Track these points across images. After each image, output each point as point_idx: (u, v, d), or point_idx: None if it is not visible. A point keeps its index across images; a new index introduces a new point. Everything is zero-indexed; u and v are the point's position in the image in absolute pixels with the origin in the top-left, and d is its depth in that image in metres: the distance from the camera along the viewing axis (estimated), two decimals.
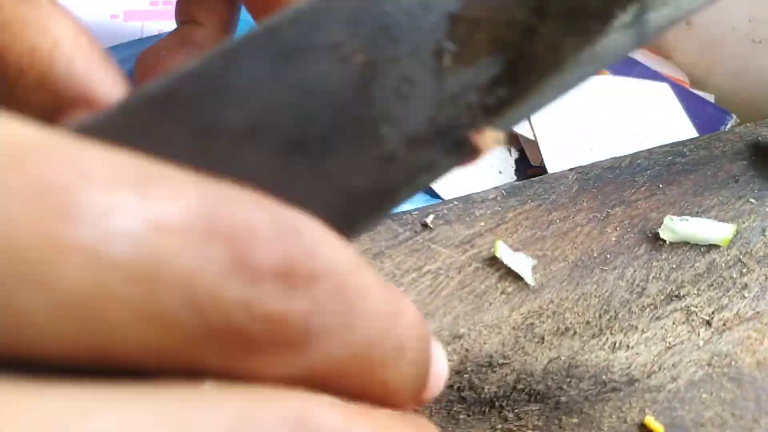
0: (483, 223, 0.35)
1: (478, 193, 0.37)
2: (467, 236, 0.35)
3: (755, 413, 0.29)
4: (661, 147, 0.40)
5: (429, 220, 0.35)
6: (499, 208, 0.36)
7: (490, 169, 0.42)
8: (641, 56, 0.52)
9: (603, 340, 0.31)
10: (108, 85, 0.21)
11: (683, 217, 0.34)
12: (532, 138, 0.43)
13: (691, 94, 0.49)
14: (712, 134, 0.41)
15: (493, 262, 0.34)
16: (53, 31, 0.20)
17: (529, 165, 0.43)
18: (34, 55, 0.19)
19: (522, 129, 0.42)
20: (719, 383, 0.30)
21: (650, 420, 0.29)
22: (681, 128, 0.44)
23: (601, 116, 0.45)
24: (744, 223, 0.36)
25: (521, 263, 0.33)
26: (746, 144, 0.40)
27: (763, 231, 0.35)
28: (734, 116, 0.48)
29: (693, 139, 0.41)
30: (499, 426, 0.29)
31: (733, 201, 0.37)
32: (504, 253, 0.33)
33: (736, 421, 0.29)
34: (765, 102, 0.50)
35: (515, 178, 0.42)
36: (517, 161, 0.43)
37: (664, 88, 0.48)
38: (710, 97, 0.51)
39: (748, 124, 0.43)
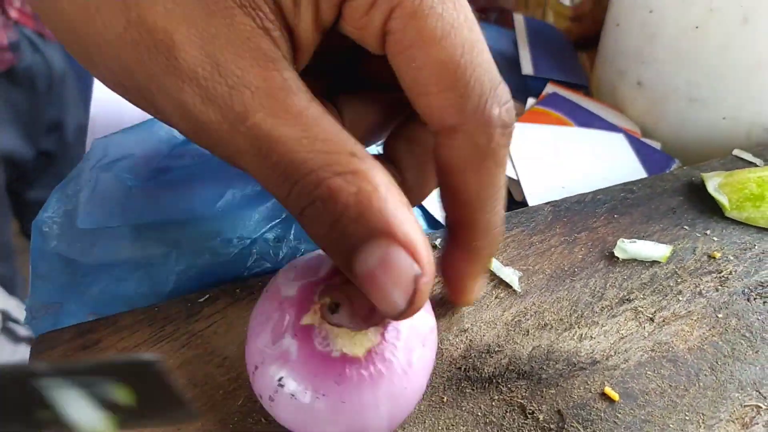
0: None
1: None
2: None
3: (686, 384, 0.39)
4: (616, 185, 0.50)
5: (437, 242, 0.45)
6: None
7: None
8: (601, 111, 0.62)
9: (572, 333, 0.41)
10: (409, 225, 0.25)
11: (632, 240, 0.45)
12: (516, 178, 0.53)
13: (642, 143, 0.59)
14: (657, 175, 0.52)
15: (489, 274, 0.43)
16: (374, 179, 0.25)
17: (513, 200, 0.53)
18: (358, 197, 0.25)
19: (508, 171, 0.52)
20: (660, 363, 0.39)
21: (609, 390, 0.38)
22: (633, 170, 0.55)
23: (570, 160, 0.55)
24: (679, 244, 0.46)
25: (510, 275, 0.43)
26: (683, 183, 0.51)
27: (694, 251, 0.45)
28: (677, 161, 0.58)
29: (642, 179, 0.52)
30: (497, 397, 0.38)
31: (671, 228, 0.47)
32: (497, 267, 0.43)
33: (672, 390, 0.38)
34: (702, 149, 0.60)
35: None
36: None
37: (620, 137, 0.58)
38: (657, 145, 0.60)
39: (686, 167, 0.54)
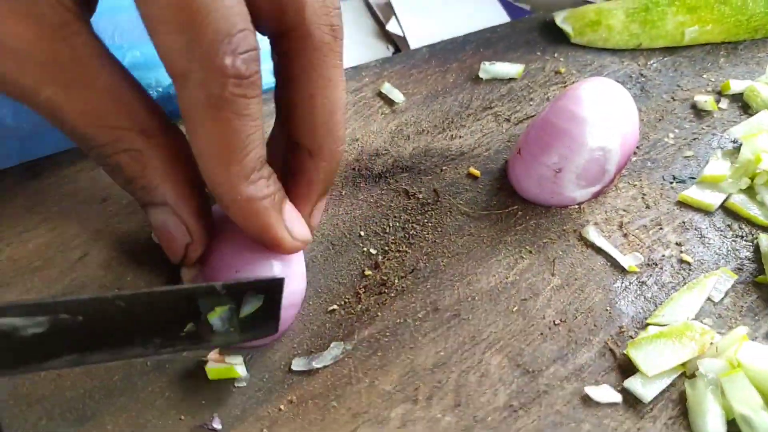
0: (367, 78, 0.53)
1: (365, 63, 0.55)
2: (358, 86, 0.53)
3: None
4: (484, 29, 0.59)
5: None
6: (378, 70, 0.54)
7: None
8: None
9: (445, 135, 0.50)
10: (183, 200, 0.31)
11: (492, 62, 0.54)
12: (402, 34, 0.61)
13: (512, 5, 0.67)
14: (517, 20, 0.61)
15: (377, 98, 0.52)
16: (155, 159, 0.30)
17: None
18: (143, 172, 0.30)
19: (395, 29, 0.60)
20: (512, 149, 0.49)
21: (473, 169, 0.47)
22: (499, 18, 0.63)
23: (449, 19, 0.63)
24: (532, 65, 0.55)
25: (394, 94, 0.51)
26: (538, 23, 0.60)
27: (544, 68, 0.55)
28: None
29: (504, 23, 0.60)
30: (385, 187, 0.47)
31: (526, 54, 0.56)
32: (385, 89, 0.52)
33: None
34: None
35: None
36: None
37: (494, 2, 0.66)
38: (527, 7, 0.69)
39: (542, 12, 0.63)
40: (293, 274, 0.36)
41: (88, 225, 0.42)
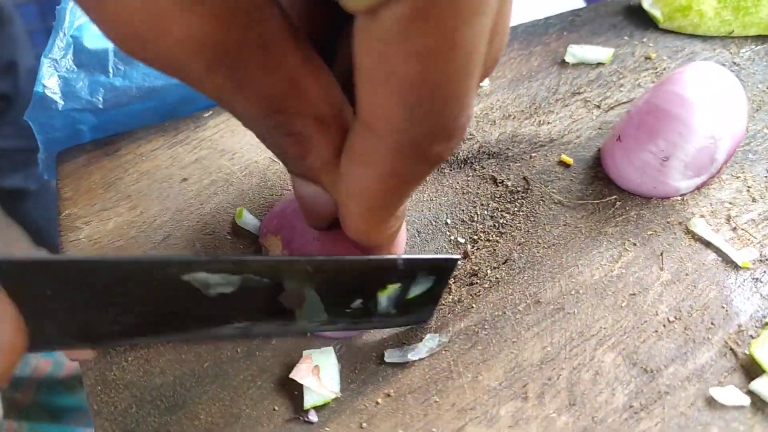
0: None
1: None
2: None
3: None
4: (564, 12, 0.57)
5: None
6: None
7: None
8: None
9: (532, 120, 0.48)
10: None
11: (580, 45, 0.51)
12: None
13: None
14: (600, 3, 0.58)
15: None
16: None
17: None
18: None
19: None
20: (605, 136, 0.46)
21: (565, 157, 0.45)
22: (573, 2, 0.61)
23: (525, 2, 0.61)
24: (620, 50, 0.52)
25: None
26: (623, 6, 0.57)
27: (633, 54, 0.52)
28: None
29: (587, 6, 0.58)
30: (471, 173, 0.45)
31: (613, 39, 0.54)
32: None
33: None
34: None
35: None
36: None
37: None
38: None
39: None
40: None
41: (169, 205, 0.41)
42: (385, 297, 0.29)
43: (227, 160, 0.43)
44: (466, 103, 0.21)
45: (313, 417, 0.32)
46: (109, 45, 0.44)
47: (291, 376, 0.32)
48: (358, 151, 0.24)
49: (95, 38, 0.43)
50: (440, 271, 0.31)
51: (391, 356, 0.35)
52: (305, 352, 0.34)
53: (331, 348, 0.34)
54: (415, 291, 0.30)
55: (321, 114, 0.25)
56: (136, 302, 0.23)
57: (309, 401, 0.32)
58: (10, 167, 1.14)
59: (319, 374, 0.33)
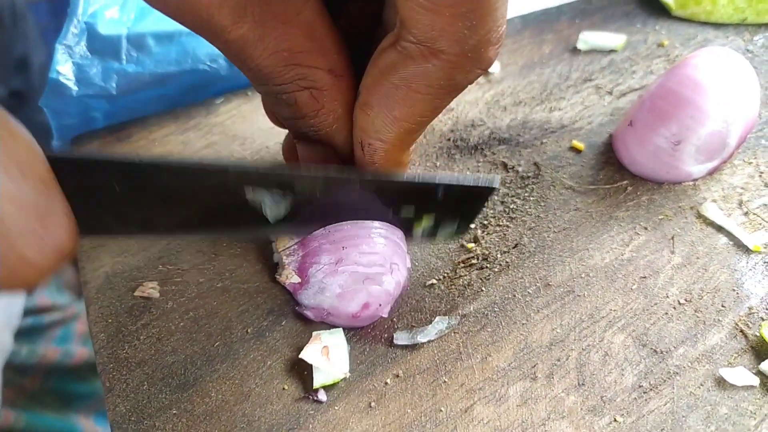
0: None
1: None
2: None
3: None
4: (576, 0, 0.57)
5: None
6: None
7: None
8: None
9: (544, 107, 0.47)
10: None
11: (592, 32, 0.51)
12: None
13: None
14: None
15: None
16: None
17: None
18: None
19: None
20: (617, 123, 0.46)
21: (576, 143, 0.45)
22: None
23: None
24: (633, 37, 0.52)
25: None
26: None
27: (646, 41, 0.52)
28: None
29: None
30: (482, 159, 0.44)
31: (625, 26, 0.53)
32: None
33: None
34: None
35: None
36: None
37: None
38: None
39: None
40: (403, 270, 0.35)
41: None
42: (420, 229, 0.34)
43: (239, 145, 0.44)
44: (505, 11, 0.24)
45: (322, 396, 0.32)
46: (123, 31, 0.44)
47: (301, 356, 0.33)
48: (408, 78, 0.25)
49: (109, 25, 0.43)
50: (477, 197, 0.33)
51: (400, 338, 0.35)
52: (315, 333, 0.34)
53: (340, 329, 0.35)
54: (444, 232, 0.35)
55: (335, 66, 0.26)
56: (192, 201, 0.26)
57: (318, 380, 0.32)
58: None
59: (329, 354, 0.33)
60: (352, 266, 0.33)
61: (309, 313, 0.35)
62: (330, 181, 0.28)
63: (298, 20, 0.24)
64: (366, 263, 0.33)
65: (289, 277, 0.35)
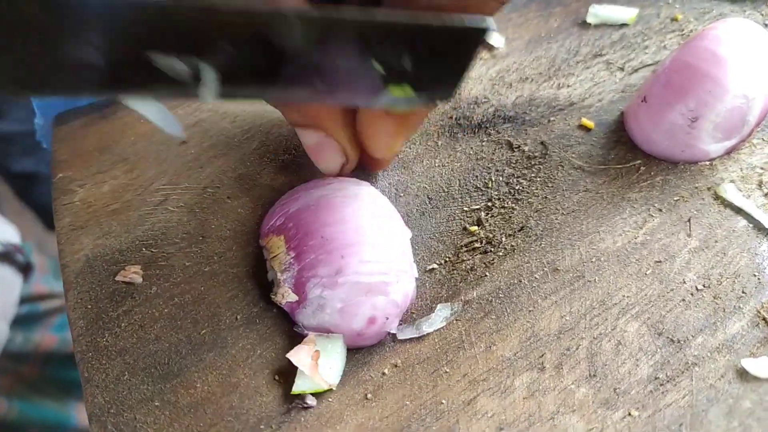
0: None
1: None
2: None
3: None
4: None
5: None
6: None
7: None
8: None
9: (551, 83, 0.45)
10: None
11: (602, 5, 0.48)
12: None
13: None
14: None
15: None
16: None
17: None
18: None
19: None
20: (628, 100, 0.44)
21: (585, 120, 0.42)
22: None
23: None
24: (645, 10, 0.50)
25: (493, 38, 0.47)
26: None
27: (659, 15, 0.49)
28: None
29: None
30: (486, 138, 0.42)
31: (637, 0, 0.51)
32: None
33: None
34: None
35: None
36: None
37: None
38: None
39: None
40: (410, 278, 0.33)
41: (167, 168, 0.39)
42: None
43: (228, 123, 0.41)
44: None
45: (311, 401, 0.30)
46: None
47: (288, 356, 0.30)
48: None
49: None
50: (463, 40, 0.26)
51: (403, 333, 0.33)
52: (311, 334, 0.31)
53: (340, 336, 0.31)
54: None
55: None
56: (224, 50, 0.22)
57: (298, 386, 0.30)
58: (21, 151, 1.13)
59: (318, 361, 0.30)
60: (353, 276, 0.30)
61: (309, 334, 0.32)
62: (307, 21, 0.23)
63: None
64: (368, 272, 0.30)
65: (286, 296, 0.32)
